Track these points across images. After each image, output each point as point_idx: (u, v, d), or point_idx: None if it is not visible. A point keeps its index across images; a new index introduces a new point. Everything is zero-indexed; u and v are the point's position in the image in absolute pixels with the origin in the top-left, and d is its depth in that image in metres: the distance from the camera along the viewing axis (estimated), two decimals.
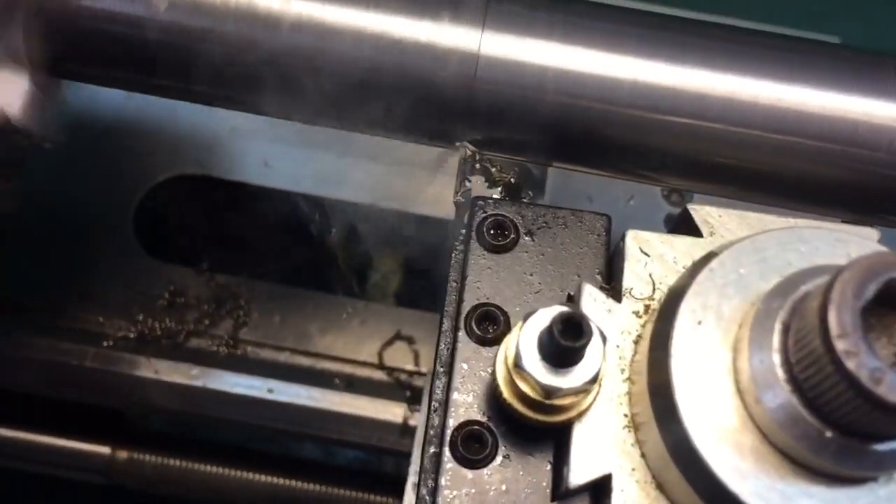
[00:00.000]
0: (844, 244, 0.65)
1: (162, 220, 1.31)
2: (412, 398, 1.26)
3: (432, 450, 0.72)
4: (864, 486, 0.59)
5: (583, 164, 0.91)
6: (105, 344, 1.23)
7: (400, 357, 1.29)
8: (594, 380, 0.62)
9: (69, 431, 1.34)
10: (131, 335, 1.24)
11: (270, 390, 1.23)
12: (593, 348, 0.61)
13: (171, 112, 1.30)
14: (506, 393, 0.65)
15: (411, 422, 1.24)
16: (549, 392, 0.62)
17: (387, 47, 0.82)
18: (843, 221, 0.84)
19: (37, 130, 0.90)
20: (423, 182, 1.30)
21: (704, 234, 0.73)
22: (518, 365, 0.62)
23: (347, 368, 1.27)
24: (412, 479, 1.16)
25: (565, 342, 0.59)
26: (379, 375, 1.27)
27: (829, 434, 0.57)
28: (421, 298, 1.35)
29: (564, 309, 0.61)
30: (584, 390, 0.63)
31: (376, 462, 1.40)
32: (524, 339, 0.62)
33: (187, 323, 1.25)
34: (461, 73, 0.82)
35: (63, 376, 1.23)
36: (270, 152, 1.30)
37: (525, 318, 0.63)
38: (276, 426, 1.25)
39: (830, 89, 0.82)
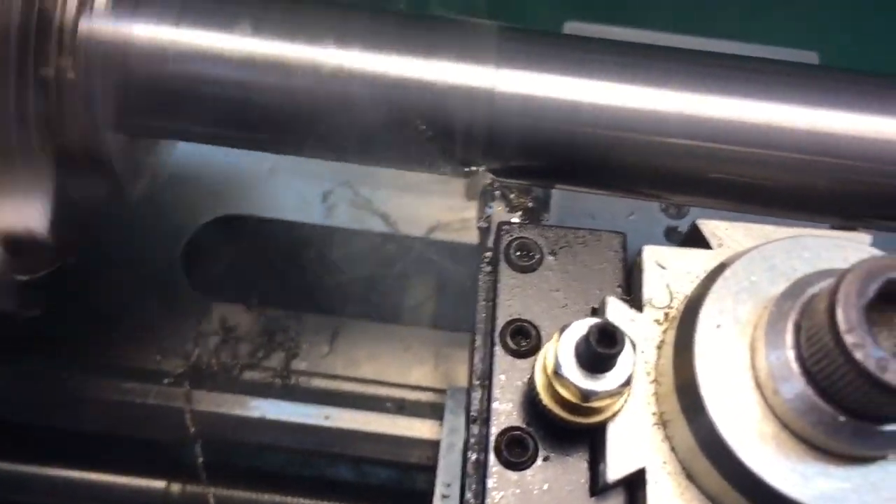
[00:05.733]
0: (842, 249, 0.72)
1: (209, 259, 1.37)
2: (434, 413, 1.27)
3: (475, 457, 0.78)
4: (875, 464, 0.65)
5: (594, 187, 0.97)
6: (165, 381, 1.27)
7: (441, 378, 1.33)
8: (627, 382, 0.69)
9: (124, 467, 1.36)
10: (189, 372, 1.28)
11: (327, 417, 1.27)
12: (625, 354, 0.68)
13: (211, 156, 1.36)
14: (545, 399, 0.72)
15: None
16: (587, 395, 0.68)
17: (407, 88, 0.88)
18: (832, 227, 0.90)
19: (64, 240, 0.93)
20: (452, 210, 1.36)
21: (714, 246, 0.80)
22: (557, 372, 0.69)
23: (397, 392, 1.30)
24: (440, 489, 1.20)
25: (602, 350, 0.66)
26: (427, 397, 1.30)
27: (842, 419, 0.63)
28: (455, 321, 1.40)
29: (598, 320, 0.68)
30: (618, 392, 0.69)
31: (411, 481, 1.43)
32: (562, 348, 0.69)
33: (241, 357, 1.30)
34: (479, 108, 0.89)
35: (126, 415, 1.27)
36: (306, 190, 1.37)
37: (561, 331, 0.70)
38: (332, 451, 1.28)
39: (814, 107, 0.88)
